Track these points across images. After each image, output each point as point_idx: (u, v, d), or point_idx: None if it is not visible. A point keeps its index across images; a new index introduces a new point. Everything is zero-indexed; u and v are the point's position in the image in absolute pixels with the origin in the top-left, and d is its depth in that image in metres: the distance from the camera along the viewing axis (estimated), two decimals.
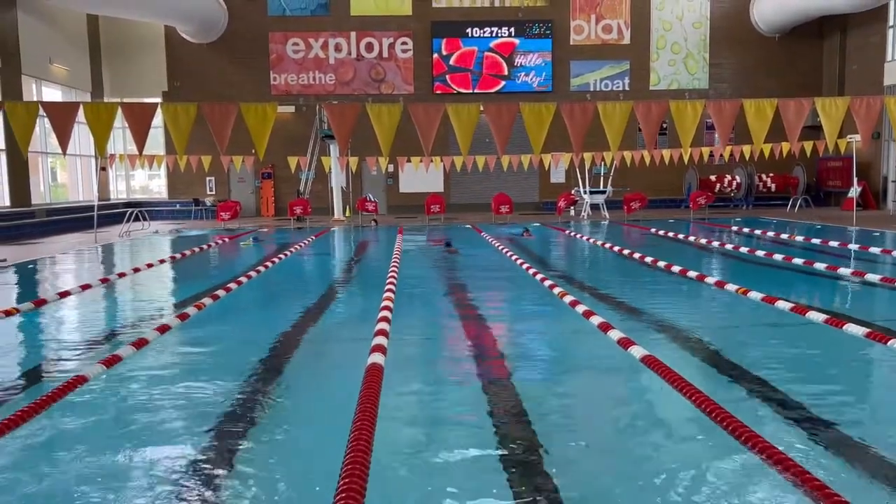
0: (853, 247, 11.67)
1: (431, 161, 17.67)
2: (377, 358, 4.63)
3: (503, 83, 24.57)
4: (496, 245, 12.80)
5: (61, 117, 8.84)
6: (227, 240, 15.00)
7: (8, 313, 6.84)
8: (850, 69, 23.83)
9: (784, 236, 13.71)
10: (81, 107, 8.92)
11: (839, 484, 2.82)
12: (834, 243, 12.05)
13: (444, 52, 24.43)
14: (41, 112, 8.99)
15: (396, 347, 5.21)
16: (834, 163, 23.35)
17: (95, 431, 3.79)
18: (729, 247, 12.26)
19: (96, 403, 4.26)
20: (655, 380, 4.35)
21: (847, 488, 2.80)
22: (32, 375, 4.95)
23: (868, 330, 5.35)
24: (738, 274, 9.48)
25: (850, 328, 5.48)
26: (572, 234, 15.74)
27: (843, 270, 8.89)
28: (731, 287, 7.62)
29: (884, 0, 19.87)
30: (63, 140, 8.83)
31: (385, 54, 24.41)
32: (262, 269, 9.97)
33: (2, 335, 6.31)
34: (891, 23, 21.68)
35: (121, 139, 24.13)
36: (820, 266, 9.17)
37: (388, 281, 8.26)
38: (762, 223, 17.42)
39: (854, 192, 18.78)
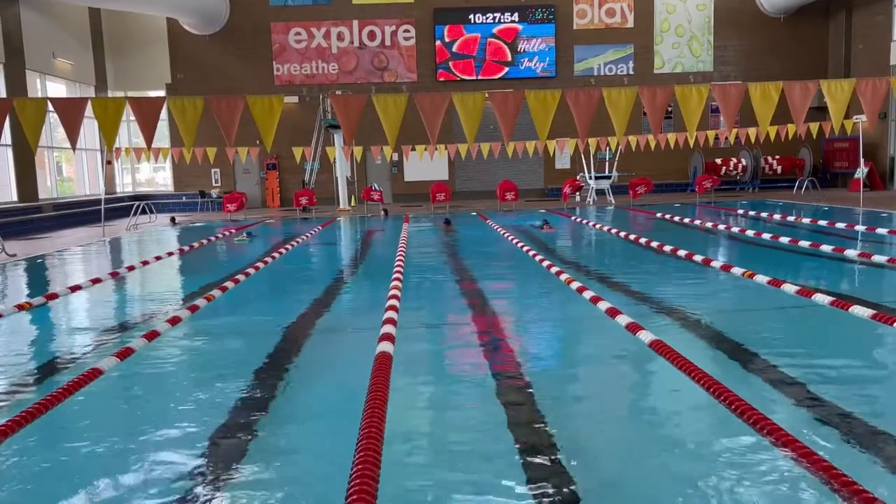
0: (860, 228, 11.65)
1: (436, 149, 17.65)
2: (386, 346, 4.69)
3: (506, 69, 24.48)
4: (503, 234, 12.83)
5: (70, 113, 8.88)
6: (233, 231, 15.07)
7: (21, 307, 6.93)
8: (856, 49, 23.65)
9: (790, 219, 13.70)
10: (89, 102, 8.96)
11: (846, 464, 2.86)
12: (841, 225, 12.03)
13: (447, 39, 24.34)
14: (50, 108, 9.04)
15: (405, 336, 5.26)
16: (840, 144, 23.22)
17: (111, 422, 3.86)
18: (735, 230, 12.26)
19: (111, 395, 4.34)
20: (664, 364, 4.39)
21: (854, 468, 2.84)
22: (47, 369, 5.02)
23: (874, 311, 5.37)
24: (744, 257, 9.50)
25: (857, 310, 5.51)
26: (578, 219, 15.75)
27: (849, 252, 8.89)
28: (737, 270, 7.65)
29: None
30: (72, 135, 8.87)
31: (388, 42, 24.35)
32: (269, 259, 10.03)
33: (15, 329, 6.40)
34: None
35: (126, 132, 24.19)
36: (826, 248, 9.18)
37: (395, 270, 8.31)
38: (768, 206, 17.38)
39: (861, 173, 18.69)
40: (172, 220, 18.85)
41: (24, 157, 18.33)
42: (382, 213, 19.20)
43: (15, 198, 18.61)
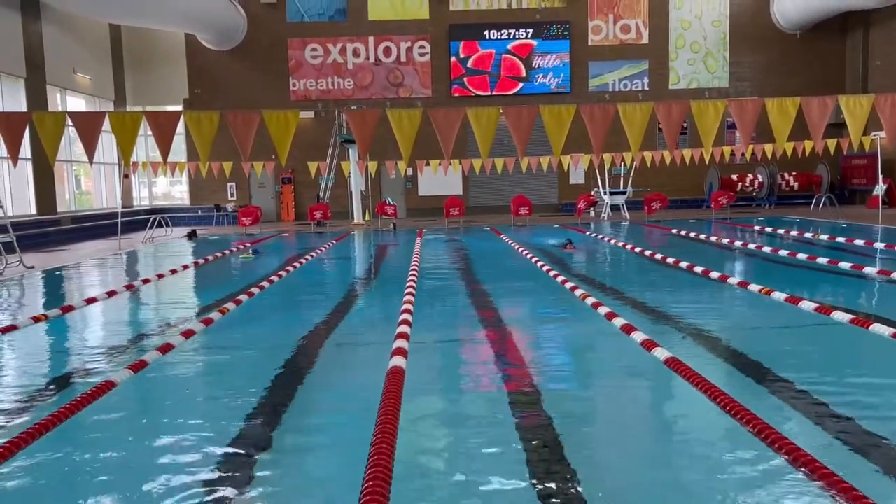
0: (879, 245, 11.51)
1: (450, 164, 17.69)
2: (398, 361, 4.66)
3: (521, 85, 24.54)
4: (518, 248, 12.79)
5: (88, 127, 8.97)
6: (247, 244, 15.13)
7: (37, 319, 6.98)
8: (873, 65, 23.50)
9: (808, 235, 13.56)
10: (107, 116, 9.05)
11: (868, 486, 2.80)
12: (859, 242, 11.89)
13: (462, 55, 24.45)
14: (68, 122, 9.14)
15: (417, 350, 5.23)
16: (858, 160, 23.03)
17: (124, 434, 3.85)
18: (752, 247, 12.15)
19: (125, 408, 4.33)
20: (679, 382, 4.33)
21: (874, 489, 2.77)
22: (61, 381, 5.03)
23: (895, 330, 5.28)
24: (761, 274, 9.40)
25: (877, 328, 5.41)
26: (593, 235, 15.68)
27: (868, 269, 8.78)
28: (754, 287, 7.56)
29: None
30: (89, 149, 8.96)
31: (403, 58, 24.50)
32: (283, 273, 10.06)
33: (31, 341, 6.44)
34: None
35: (143, 146, 24.45)
36: (845, 265, 9.06)
37: (407, 284, 8.30)
38: (785, 222, 17.23)
39: (879, 189, 18.51)
40: (193, 233, 18.88)
41: (43, 171, 18.56)
42: (391, 226, 19.22)
43: (34, 210, 18.83)
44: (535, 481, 3.08)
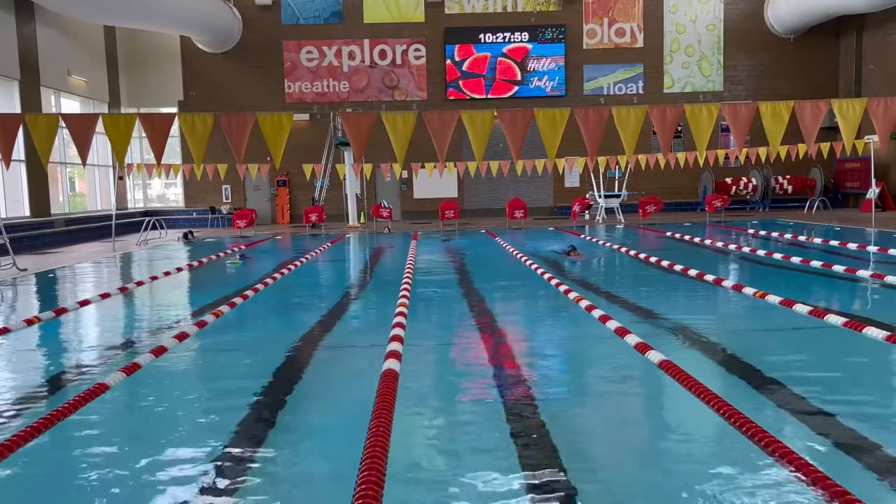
0: (872, 249, 11.55)
1: (445, 167, 17.69)
2: (392, 364, 4.66)
3: (516, 88, 24.58)
4: (512, 251, 12.79)
5: (81, 129, 8.94)
6: (242, 247, 15.10)
7: (29, 322, 6.94)
8: (866, 69, 23.62)
9: (801, 238, 13.60)
10: (100, 118, 9.02)
11: (863, 489, 2.80)
12: (852, 245, 11.94)
13: (457, 58, 24.49)
14: (61, 124, 9.11)
15: (412, 353, 5.23)
16: (852, 164, 23.13)
17: (117, 438, 3.84)
18: (746, 250, 12.18)
19: (117, 410, 4.31)
20: (673, 385, 4.33)
21: (868, 493, 2.78)
22: (54, 383, 5.01)
23: (888, 333, 5.30)
24: (755, 277, 9.42)
25: (870, 331, 5.43)
26: (587, 238, 15.70)
27: (861, 273, 8.81)
28: (748, 290, 7.57)
29: None
30: (83, 151, 8.93)
31: (398, 61, 24.51)
32: (277, 276, 10.04)
33: (24, 344, 6.41)
34: None
35: (138, 149, 24.40)
36: (838, 268, 9.09)
37: (402, 287, 8.29)
38: (779, 225, 17.28)
39: (872, 193, 18.60)
40: (190, 233, 18.80)
41: (37, 173, 18.49)
42: (386, 229, 19.21)
43: (27, 213, 18.75)
44: (528, 483, 3.07)
